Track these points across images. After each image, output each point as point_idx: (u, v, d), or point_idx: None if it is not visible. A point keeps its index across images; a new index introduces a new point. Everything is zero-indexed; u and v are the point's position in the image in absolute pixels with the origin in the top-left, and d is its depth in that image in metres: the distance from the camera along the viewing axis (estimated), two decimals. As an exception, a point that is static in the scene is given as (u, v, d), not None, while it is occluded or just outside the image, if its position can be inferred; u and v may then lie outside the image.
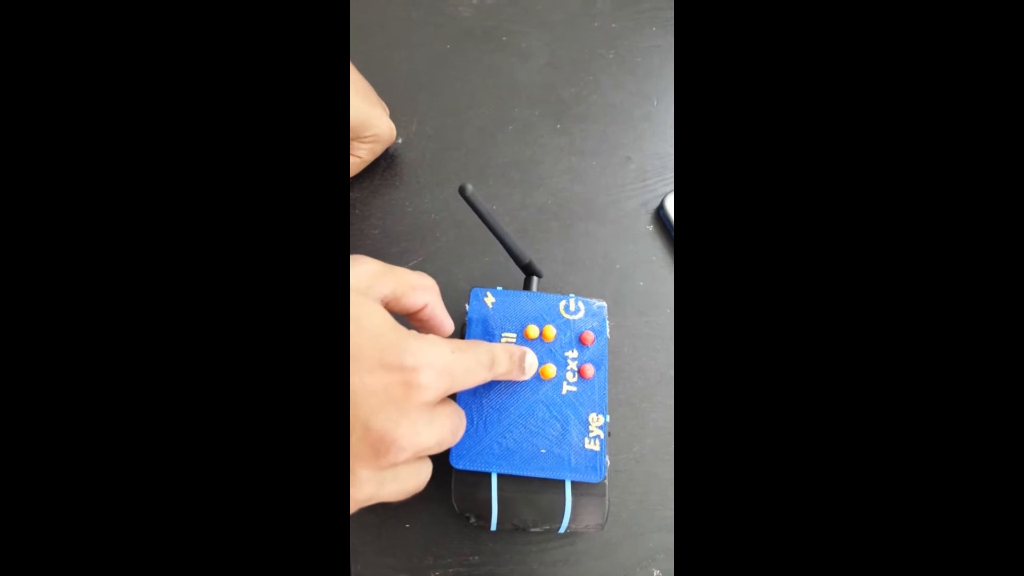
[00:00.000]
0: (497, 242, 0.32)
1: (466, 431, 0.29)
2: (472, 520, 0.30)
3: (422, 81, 0.43)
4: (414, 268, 0.38)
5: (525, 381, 0.30)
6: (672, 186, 0.40)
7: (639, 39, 0.45)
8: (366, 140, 0.37)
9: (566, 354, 0.31)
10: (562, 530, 0.29)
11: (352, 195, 0.40)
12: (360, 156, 0.38)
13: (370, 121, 0.36)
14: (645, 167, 0.41)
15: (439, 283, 0.38)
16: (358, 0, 0.44)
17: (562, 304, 0.32)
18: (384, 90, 0.41)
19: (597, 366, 0.30)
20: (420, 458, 0.26)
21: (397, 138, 0.41)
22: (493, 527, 0.30)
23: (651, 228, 0.39)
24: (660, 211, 0.39)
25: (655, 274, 0.38)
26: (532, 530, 0.30)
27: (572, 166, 0.41)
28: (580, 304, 0.32)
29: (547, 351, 0.31)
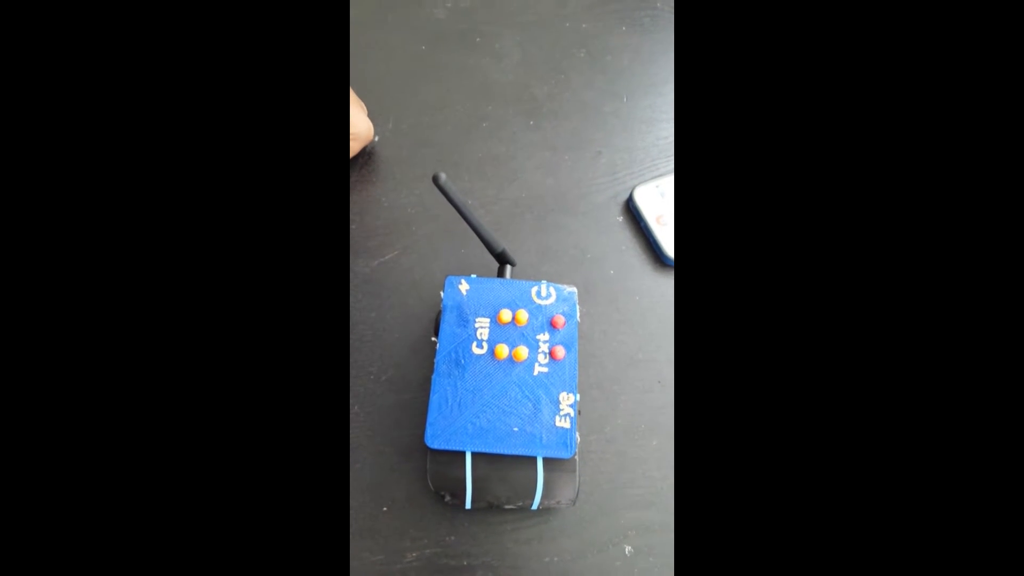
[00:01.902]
0: (472, 234, 0.33)
1: (440, 412, 0.30)
2: (447, 498, 0.30)
3: (398, 81, 0.44)
4: (391, 261, 0.39)
5: (498, 363, 0.31)
6: (640, 179, 0.41)
7: (609, 38, 0.46)
8: None
9: (538, 337, 0.32)
10: (535, 506, 0.30)
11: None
12: None
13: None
14: (615, 161, 0.42)
15: (416, 275, 0.38)
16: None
17: (534, 290, 0.33)
18: (361, 90, 0.42)
19: (568, 347, 0.31)
20: None
21: (374, 136, 0.42)
22: (468, 505, 0.30)
23: (621, 219, 0.40)
24: (629, 203, 0.40)
25: (625, 263, 0.39)
26: (506, 507, 0.31)
27: (545, 161, 0.42)
28: (551, 289, 0.33)
29: (519, 334, 0.32)
